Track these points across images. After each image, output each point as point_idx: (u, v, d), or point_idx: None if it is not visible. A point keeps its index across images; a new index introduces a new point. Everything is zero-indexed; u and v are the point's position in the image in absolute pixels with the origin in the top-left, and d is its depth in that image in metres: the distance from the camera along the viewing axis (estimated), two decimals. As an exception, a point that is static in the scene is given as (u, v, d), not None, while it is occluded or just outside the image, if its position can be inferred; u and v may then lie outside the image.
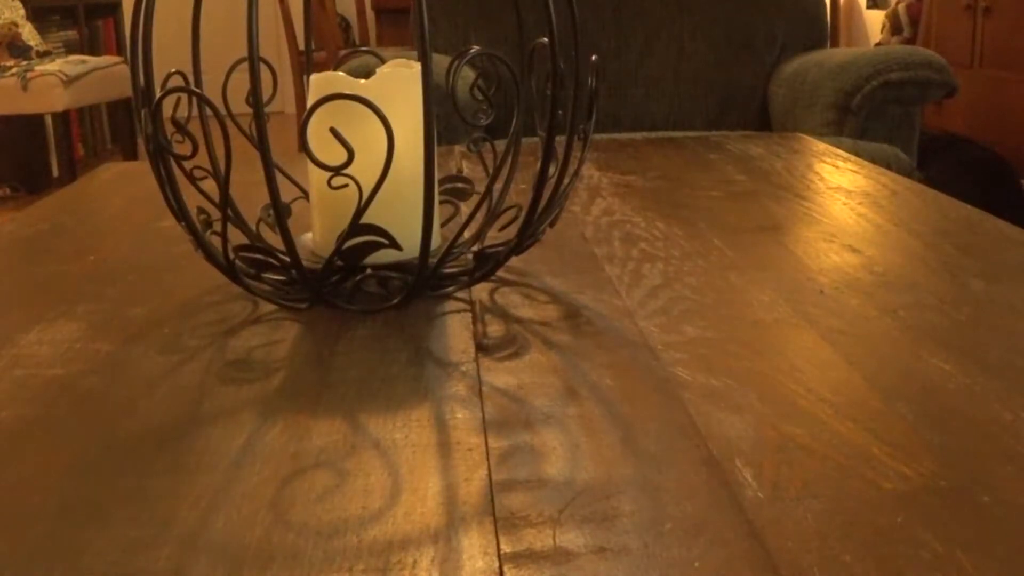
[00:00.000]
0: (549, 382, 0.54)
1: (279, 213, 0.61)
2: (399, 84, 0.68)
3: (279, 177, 0.62)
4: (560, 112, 0.64)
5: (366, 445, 0.48)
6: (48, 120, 3.96)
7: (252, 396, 0.53)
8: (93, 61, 4.01)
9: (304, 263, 0.64)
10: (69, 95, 3.69)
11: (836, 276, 0.71)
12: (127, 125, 4.49)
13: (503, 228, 0.75)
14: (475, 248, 0.69)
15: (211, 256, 0.65)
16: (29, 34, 4.05)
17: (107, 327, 0.65)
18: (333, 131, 0.59)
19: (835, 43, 3.35)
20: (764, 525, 0.40)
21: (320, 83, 0.68)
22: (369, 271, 0.66)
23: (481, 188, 0.76)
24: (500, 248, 0.68)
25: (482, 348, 0.60)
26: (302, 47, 2.84)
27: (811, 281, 0.70)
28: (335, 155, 0.59)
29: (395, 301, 0.66)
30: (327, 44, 3.57)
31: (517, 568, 0.37)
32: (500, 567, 0.37)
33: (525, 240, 0.68)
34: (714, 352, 0.58)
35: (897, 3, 3.64)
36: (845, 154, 1.20)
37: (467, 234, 0.73)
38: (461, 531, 0.40)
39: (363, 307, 0.66)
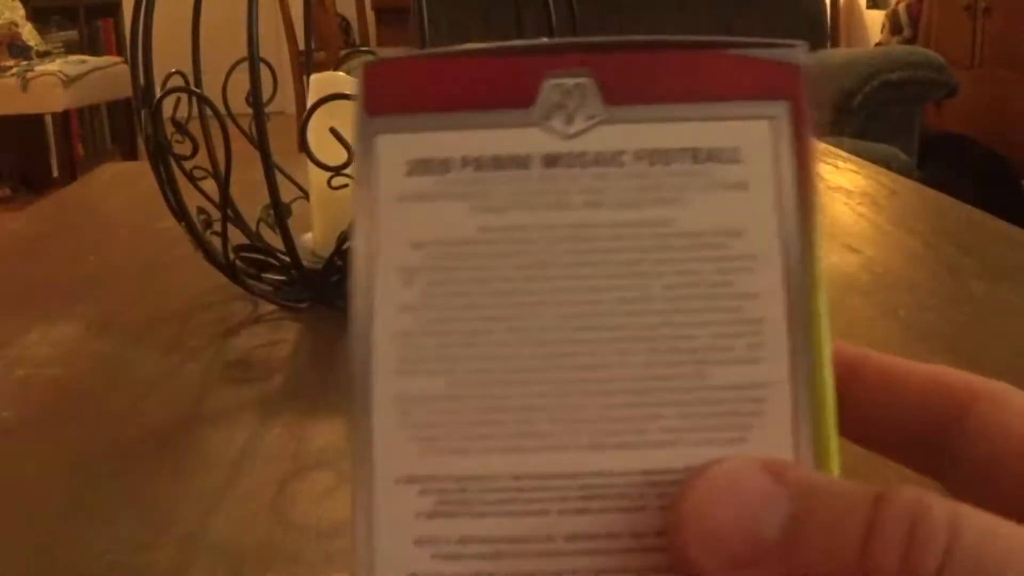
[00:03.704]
0: (549, 382, 0.54)
1: (279, 213, 0.61)
2: (399, 84, 0.68)
3: (279, 177, 0.62)
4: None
5: (366, 445, 0.47)
6: (48, 120, 3.96)
7: (252, 396, 0.53)
8: (93, 61, 4.02)
9: (304, 263, 0.64)
10: (69, 95, 3.69)
11: (836, 276, 0.71)
12: (127, 125, 4.49)
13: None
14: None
15: (211, 256, 0.65)
16: (29, 34, 4.05)
17: (107, 327, 0.65)
18: (333, 131, 0.59)
19: (835, 43, 3.35)
20: (764, 525, 0.39)
21: (320, 83, 0.68)
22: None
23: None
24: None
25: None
26: (302, 47, 2.84)
27: (811, 281, 0.70)
28: (335, 155, 0.59)
29: (395, 301, 0.66)
30: (327, 44, 3.57)
31: (517, 568, 0.37)
32: (500, 567, 0.37)
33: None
34: (714, 352, 0.58)
35: (897, 3, 3.64)
36: (845, 154, 1.20)
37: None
38: (461, 531, 0.40)
39: (363, 307, 0.66)
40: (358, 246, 0.19)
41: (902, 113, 2.12)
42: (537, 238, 0.19)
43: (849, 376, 0.21)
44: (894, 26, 3.63)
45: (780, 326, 0.19)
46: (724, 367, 0.19)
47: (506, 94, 0.19)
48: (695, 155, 0.19)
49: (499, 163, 0.19)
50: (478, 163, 0.19)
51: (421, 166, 0.19)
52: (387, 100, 0.20)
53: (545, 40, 0.20)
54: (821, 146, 1.25)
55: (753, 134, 0.19)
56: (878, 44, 3.67)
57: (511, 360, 0.19)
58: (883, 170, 1.10)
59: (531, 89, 0.19)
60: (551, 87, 0.19)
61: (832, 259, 0.76)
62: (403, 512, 0.19)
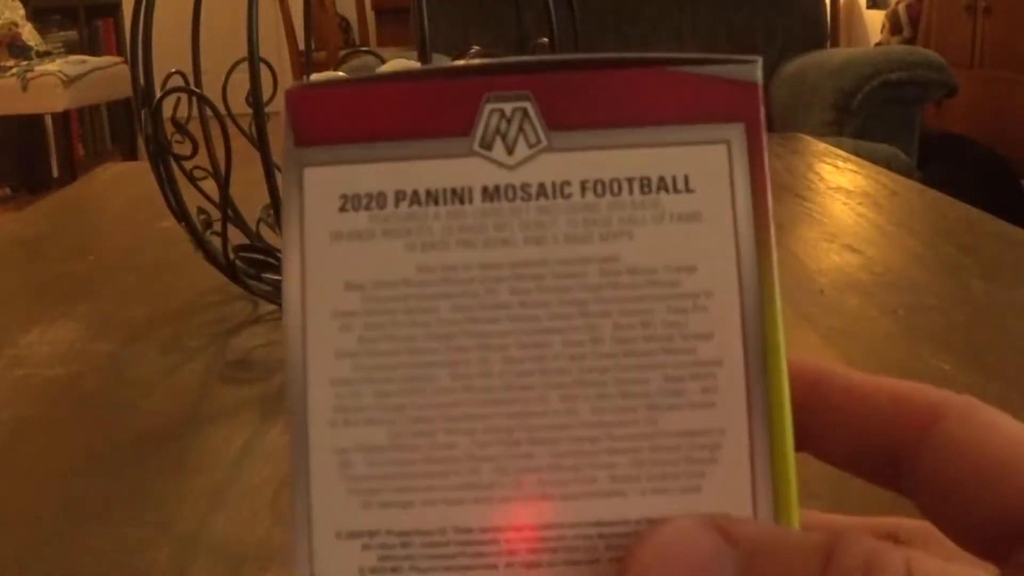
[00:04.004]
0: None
1: (279, 213, 0.61)
2: (399, 84, 0.68)
3: (279, 177, 0.62)
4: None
5: (366, 445, 0.47)
6: (48, 120, 3.96)
7: (252, 396, 0.53)
8: (93, 61, 4.01)
9: (304, 263, 0.63)
10: (69, 95, 3.69)
11: (836, 276, 0.71)
12: (127, 125, 4.49)
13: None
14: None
15: (211, 256, 0.65)
16: (29, 34, 4.05)
17: (107, 327, 0.65)
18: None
19: (835, 43, 3.35)
20: (764, 525, 0.39)
21: (320, 83, 0.68)
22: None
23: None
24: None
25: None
26: (302, 47, 2.84)
27: (811, 281, 0.70)
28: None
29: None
30: (327, 44, 3.57)
31: (517, 568, 0.37)
32: (500, 567, 0.37)
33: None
34: (714, 352, 0.58)
35: (897, 3, 3.64)
36: (845, 154, 1.20)
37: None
38: (461, 531, 0.40)
39: (363, 307, 0.66)
40: (289, 288, 0.18)
41: (902, 113, 2.12)
42: (478, 278, 0.18)
43: (812, 393, 0.20)
44: (894, 26, 3.63)
45: (736, 368, 0.18)
46: (677, 412, 0.18)
47: (442, 121, 0.18)
48: (645, 185, 0.18)
49: (436, 197, 0.18)
50: (415, 197, 0.18)
51: (355, 201, 0.18)
52: (317, 129, 0.18)
53: (482, 61, 0.19)
54: (821, 146, 1.26)
55: (707, 160, 0.18)
56: (878, 44, 3.67)
57: (454, 408, 0.18)
58: (883, 170, 1.10)
59: (468, 115, 0.18)
60: (489, 112, 0.18)
61: (832, 259, 0.76)
62: (345, 568, 0.18)
